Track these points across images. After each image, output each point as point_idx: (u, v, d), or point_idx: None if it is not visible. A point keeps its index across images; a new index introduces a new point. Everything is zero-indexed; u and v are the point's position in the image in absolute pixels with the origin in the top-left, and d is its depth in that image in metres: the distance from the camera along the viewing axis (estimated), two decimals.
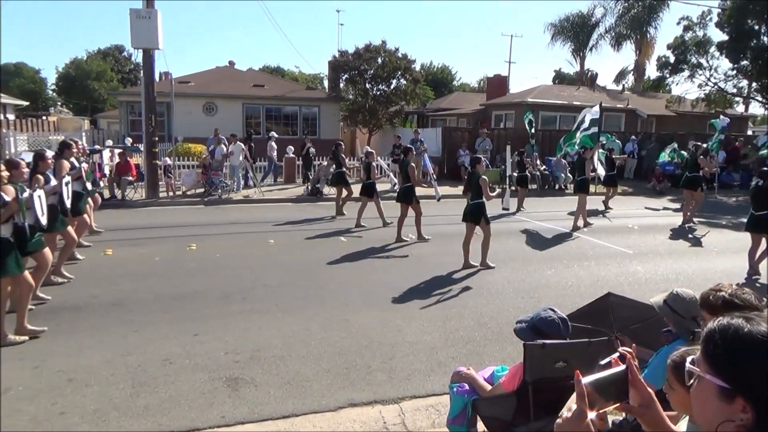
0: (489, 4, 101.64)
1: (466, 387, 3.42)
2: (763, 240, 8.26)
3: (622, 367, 1.27)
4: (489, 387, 3.31)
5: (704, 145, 14.79)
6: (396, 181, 13.44)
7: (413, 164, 10.55)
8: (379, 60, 25.35)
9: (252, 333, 5.73)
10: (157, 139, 15.29)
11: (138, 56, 15.49)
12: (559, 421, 1.24)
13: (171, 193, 15.05)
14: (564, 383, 3.08)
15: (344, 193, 13.01)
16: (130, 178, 14.28)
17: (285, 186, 17.69)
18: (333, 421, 4.17)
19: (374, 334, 5.78)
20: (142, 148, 15.02)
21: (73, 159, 7.82)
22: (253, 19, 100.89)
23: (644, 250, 9.99)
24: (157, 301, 6.63)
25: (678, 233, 11.81)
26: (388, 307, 6.63)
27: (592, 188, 13.48)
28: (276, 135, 19.60)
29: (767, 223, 8.03)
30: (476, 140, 20.87)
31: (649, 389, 1.36)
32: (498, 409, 3.07)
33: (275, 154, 18.34)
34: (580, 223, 11.89)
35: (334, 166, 13.11)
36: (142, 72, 15.25)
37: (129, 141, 17.01)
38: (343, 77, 26.37)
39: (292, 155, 18.19)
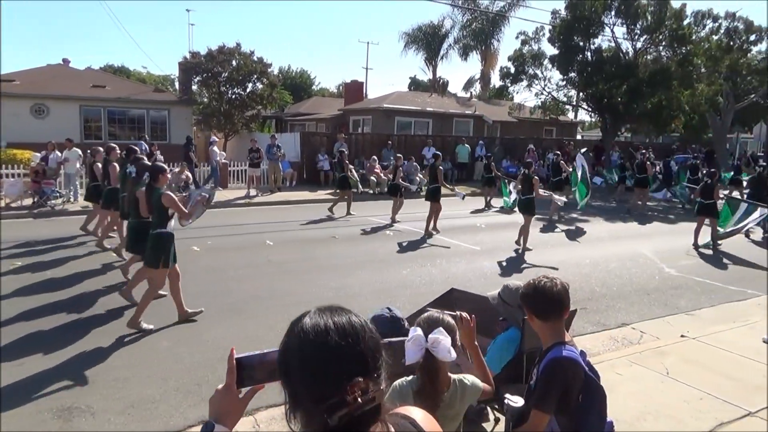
0: (345, 10, 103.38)
1: None
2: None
3: (274, 348, 1.25)
4: None
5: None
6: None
7: (441, 167, 12.46)
8: (234, 63, 24.57)
9: (89, 356, 5.21)
10: None
11: None
12: (213, 393, 1.32)
13: None
14: None
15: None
16: None
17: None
18: None
19: (229, 345, 5.52)
20: None
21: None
22: (91, 14, 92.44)
23: (490, 246, 10.74)
24: None
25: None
26: (245, 317, 6.41)
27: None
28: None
29: (714, 209, 11.39)
30: (335, 145, 21.03)
31: None
32: None
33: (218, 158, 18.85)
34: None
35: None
36: None
37: None
38: (196, 80, 25.19)
39: None
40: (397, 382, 2.30)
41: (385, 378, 1.12)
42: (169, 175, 6.11)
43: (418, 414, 1.27)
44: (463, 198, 14.55)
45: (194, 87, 25.83)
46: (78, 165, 14.88)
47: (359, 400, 1.02)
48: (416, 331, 2.18)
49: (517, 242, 10.51)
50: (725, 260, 10.28)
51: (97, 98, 22.61)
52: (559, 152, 17.33)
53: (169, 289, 6.22)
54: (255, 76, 25.04)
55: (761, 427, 3.98)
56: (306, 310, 1.16)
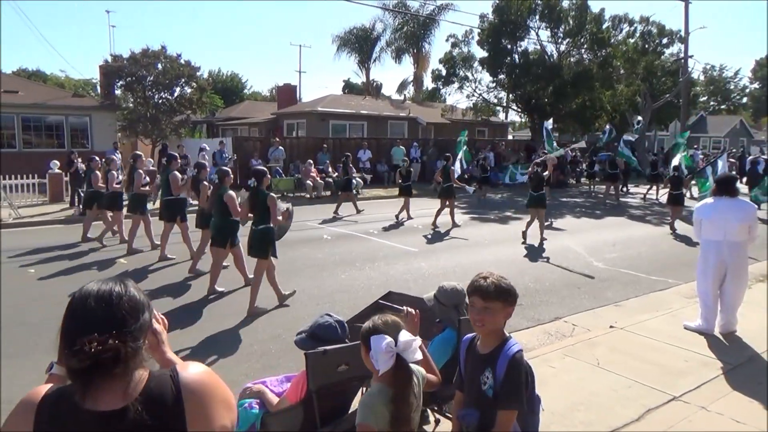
0: (276, 12, 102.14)
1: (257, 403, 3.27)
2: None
3: None
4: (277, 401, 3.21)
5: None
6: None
7: (454, 168, 13.67)
8: (160, 66, 23.72)
9: (3, 383, 4.83)
10: None
11: None
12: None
13: None
14: (347, 386, 3.12)
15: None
16: None
17: (50, 206, 15.52)
18: None
19: None
20: None
21: None
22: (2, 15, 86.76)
23: (428, 247, 10.83)
24: None
25: (451, 230, 13.05)
26: (178, 330, 6.14)
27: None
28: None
29: (681, 198, 13.15)
30: (268, 149, 20.72)
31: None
32: (285, 423, 2.98)
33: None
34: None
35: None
36: None
37: None
38: (119, 84, 24.13)
39: (57, 170, 16.04)
40: (363, 399, 2.27)
41: (139, 336, 1.38)
42: (269, 177, 7.15)
43: (195, 367, 1.44)
44: (473, 192, 16.96)
45: (117, 92, 24.77)
46: None
47: (93, 350, 1.27)
48: (386, 339, 2.13)
49: (524, 233, 11.40)
50: (649, 252, 10.80)
51: (10, 104, 21.22)
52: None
53: (267, 278, 6.92)
54: (183, 80, 24.29)
55: (685, 410, 4.18)
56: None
